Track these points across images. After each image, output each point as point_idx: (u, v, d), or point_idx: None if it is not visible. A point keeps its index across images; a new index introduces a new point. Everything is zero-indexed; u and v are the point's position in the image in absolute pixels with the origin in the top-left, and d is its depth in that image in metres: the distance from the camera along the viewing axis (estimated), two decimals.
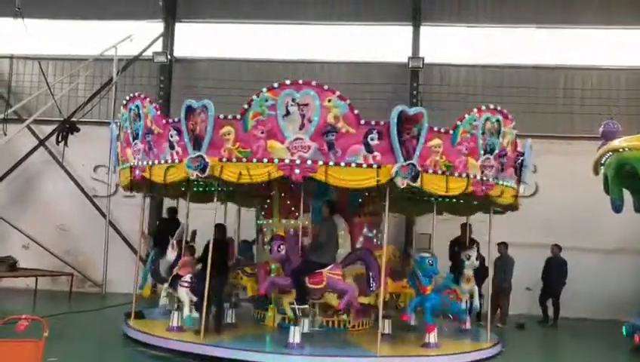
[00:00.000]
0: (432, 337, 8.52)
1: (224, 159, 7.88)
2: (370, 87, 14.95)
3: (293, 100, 7.69)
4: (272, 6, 16.07)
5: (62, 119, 15.02)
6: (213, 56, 16.19)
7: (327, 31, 16.12)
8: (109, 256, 15.09)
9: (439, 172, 8.11)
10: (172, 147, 8.34)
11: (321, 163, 7.73)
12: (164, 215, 12.87)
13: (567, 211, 13.89)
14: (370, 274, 8.64)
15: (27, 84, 16.26)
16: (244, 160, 7.84)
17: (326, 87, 7.79)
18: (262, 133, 7.78)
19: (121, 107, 9.37)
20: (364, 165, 7.76)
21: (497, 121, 8.60)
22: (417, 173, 7.75)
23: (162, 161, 8.49)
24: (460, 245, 10.70)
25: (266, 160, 7.79)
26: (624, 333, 10.33)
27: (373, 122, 7.80)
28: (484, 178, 8.57)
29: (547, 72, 15.47)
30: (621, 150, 10.21)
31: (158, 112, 8.63)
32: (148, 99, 8.77)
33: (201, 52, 16.31)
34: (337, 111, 7.69)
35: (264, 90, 7.81)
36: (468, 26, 15.79)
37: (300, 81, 7.85)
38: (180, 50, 16.34)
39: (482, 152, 8.48)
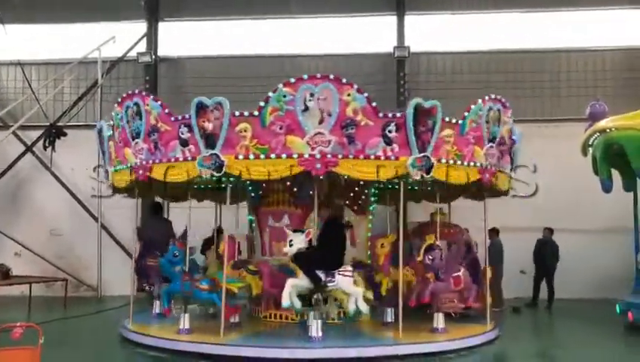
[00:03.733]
0: (184, 322, 8.58)
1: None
2: (357, 79, 14.72)
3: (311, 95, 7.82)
4: (256, 1, 15.96)
5: (48, 124, 14.90)
6: (198, 54, 16.09)
7: (311, 24, 16.08)
8: (103, 258, 15.05)
9: (451, 162, 8.38)
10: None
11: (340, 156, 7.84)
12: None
13: (557, 193, 14.01)
14: None
15: (11, 90, 16.15)
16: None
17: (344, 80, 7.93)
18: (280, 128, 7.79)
19: (116, 105, 9.01)
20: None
21: (498, 110, 8.86)
22: (431, 165, 8.01)
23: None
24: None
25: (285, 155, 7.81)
26: (618, 311, 10.43)
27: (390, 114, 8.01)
28: (488, 166, 8.87)
29: (532, 55, 15.51)
30: (608, 130, 10.31)
31: (165, 110, 8.29)
32: (152, 97, 8.53)
33: (186, 50, 16.21)
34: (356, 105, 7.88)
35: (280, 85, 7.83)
36: (452, 13, 15.82)
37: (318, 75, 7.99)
38: (164, 50, 16.24)
39: (486, 141, 8.78)
